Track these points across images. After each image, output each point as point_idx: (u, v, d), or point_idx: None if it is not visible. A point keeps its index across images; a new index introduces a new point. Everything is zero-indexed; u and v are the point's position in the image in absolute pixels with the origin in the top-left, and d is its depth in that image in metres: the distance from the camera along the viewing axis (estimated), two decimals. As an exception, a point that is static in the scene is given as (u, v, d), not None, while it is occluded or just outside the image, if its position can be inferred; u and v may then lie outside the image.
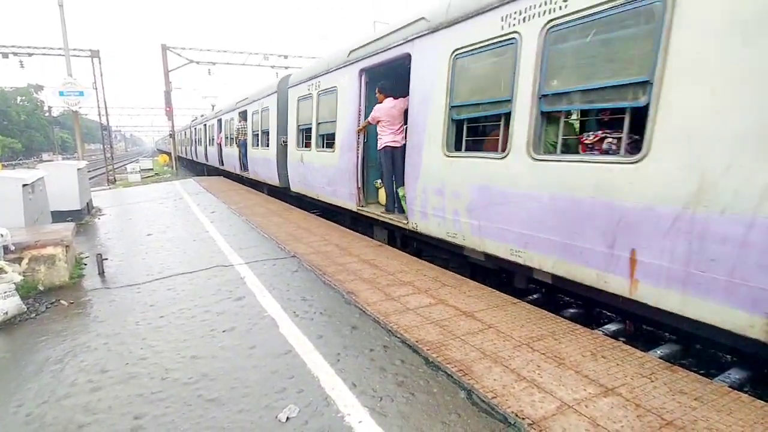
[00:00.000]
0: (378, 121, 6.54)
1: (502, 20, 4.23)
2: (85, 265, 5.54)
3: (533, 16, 3.91)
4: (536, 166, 3.98)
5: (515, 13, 4.09)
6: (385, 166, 6.62)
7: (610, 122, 3.75)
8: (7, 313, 3.95)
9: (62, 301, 4.36)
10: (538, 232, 4.00)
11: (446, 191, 5.15)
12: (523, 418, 2.38)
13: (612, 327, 4.15)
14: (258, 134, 12.97)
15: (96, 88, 18.50)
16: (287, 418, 2.46)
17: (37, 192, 6.56)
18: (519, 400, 2.55)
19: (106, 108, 20.75)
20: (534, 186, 4.01)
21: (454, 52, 4.90)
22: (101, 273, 5.19)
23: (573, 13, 3.55)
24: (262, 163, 12.59)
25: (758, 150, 2.59)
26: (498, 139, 4.46)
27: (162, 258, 5.87)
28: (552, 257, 3.91)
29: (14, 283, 4.23)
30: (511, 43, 4.15)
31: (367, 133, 7.21)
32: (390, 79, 6.71)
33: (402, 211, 6.46)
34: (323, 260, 5.52)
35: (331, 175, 8.16)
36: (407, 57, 5.81)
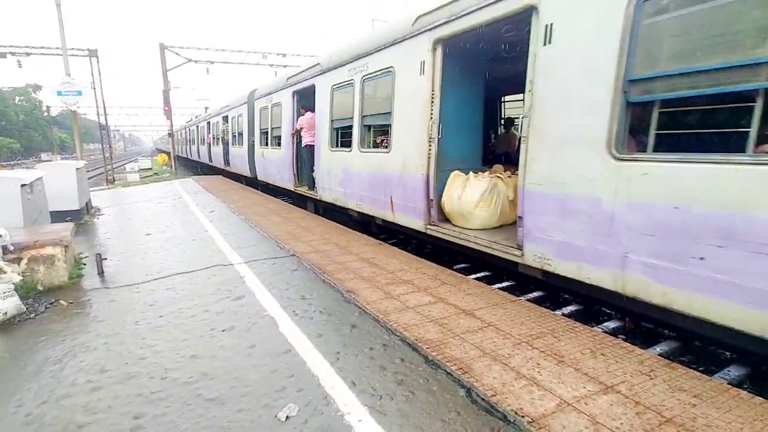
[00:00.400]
0: (301, 128, 9.50)
1: (348, 72, 7.52)
2: (85, 265, 5.53)
3: (358, 72, 7.21)
4: (363, 156, 7.29)
5: (352, 69, 7.37)
6: (307, 158, 9.60)
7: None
8: (6, 313, 3.94)
9: (61, 301, 4.35)
10: (364, 192, 7.31)
11: (331, 172, 8.42)
12: (522, 416, 2.38)
13: (611, 324, 4.15)
14: (236, 135, 15.98)
15: (94, 88, 18.45)
16: (287, 417, 2.46)
17: (36, 192, 6.55)
18: (518, 398, 2.55)
19: (104, 107, 20.71)
20: (361, 167, 7.30)
21: (333, 86, 8.16)
22: (100, 273, 5.19)
23: (371, 73, 6.86)
24: (239, 159, 15.65)
25: (420, 151, 5.68)
26: (350, 140, 7.61)
27: (161, 257, 5.87)
28: (367, 205, 7.27)
29: (13, 284, 4.23)
30: (350, 84, 7.49)
31: (299, 135, 9.77)
32: (310, 98, 9.27)
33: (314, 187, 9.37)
34: (323, 259, 5.52)
35: (279, 165, 11.29)
36: (313, 87, 9.01)
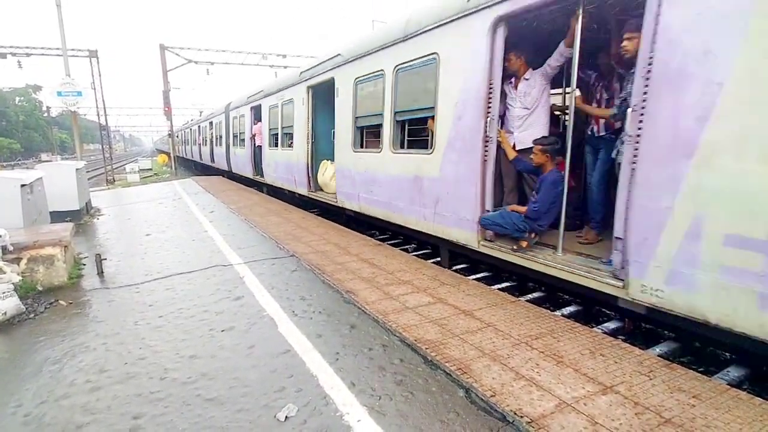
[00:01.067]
0: (255, 133, 13.38)
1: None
2: (84, 265, 5.53)
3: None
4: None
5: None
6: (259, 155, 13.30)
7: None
8: (5, 313, 3.94)
9: (61, 302, 4.35)
10: (284, 175, 10.73)
11: (272, 164, 11.91)
12: (521, 417, 2.38)
13: (611, 325, 4.15)
14: (220, 137, 19.26)
15: (94, 88, 18.45)
16: (286, 417, 2.46)
17: (36, 192, 6.55)
18: (518, 399, 2.55)
19: (104, 108, 20.70)
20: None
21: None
22: (100, 273, 5.19)
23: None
24: (221, 157, 19.10)
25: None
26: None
27: (161, 258, 5.86)
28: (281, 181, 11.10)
29: (13, 284, 4.23)
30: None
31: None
32: (257, 111, 13.18)
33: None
34: (322, 259, 5.52)
35: (245, 161, 14.77)
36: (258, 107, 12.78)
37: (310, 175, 9.36)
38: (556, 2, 3.85)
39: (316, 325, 3.67)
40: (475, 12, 4.60)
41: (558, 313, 4.23)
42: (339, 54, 7.64)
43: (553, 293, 4.91)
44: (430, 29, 5.26)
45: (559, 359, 2.99)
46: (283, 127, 10.81)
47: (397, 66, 6.03)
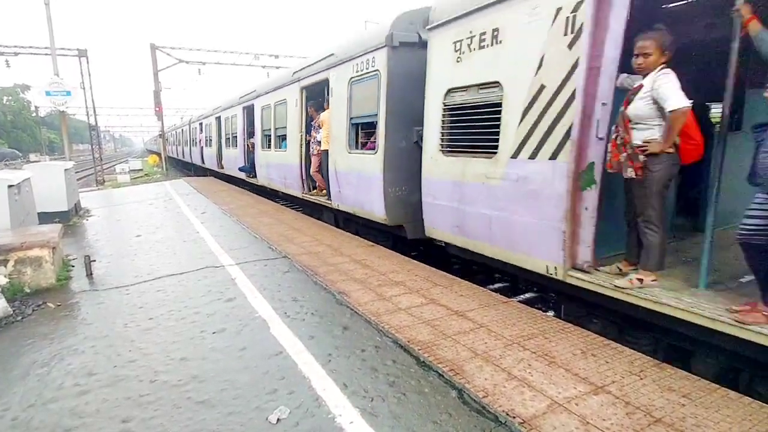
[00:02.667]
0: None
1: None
2: (73, 266, 5.46)
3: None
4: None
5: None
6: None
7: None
8: (-8, 316, 3.88)
9: (49, 304, 4.29)
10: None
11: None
12: (513, 417, 2.39)
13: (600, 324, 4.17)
14: (210, 139, 19.93)
15: (84, 88, 18.25)
16: (278, 419, 2.44)
17: (24, 193, 6.46)
18: (510, 399, 2.55)
19: (94, 108, 20.49)
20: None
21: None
22: (89, 275, 5.13)
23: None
24: (210, 157, 19.91)
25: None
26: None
27: (151, 259, 5.81)
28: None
29: (0, 286, 4.17)
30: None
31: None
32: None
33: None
34: (315, 261, 5.50)
35: (233, 159, 15.57)
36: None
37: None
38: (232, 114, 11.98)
39: (308, 326, 3.66)
40: (235, 106, 11.98)
41: (550, 313, 4.25)
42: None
43: (543, 295, 4.92)
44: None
45: (551, 360, 3.01)
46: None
47: (226, 116, 12.32)
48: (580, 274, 3.76)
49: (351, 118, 6.99)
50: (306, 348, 3.27)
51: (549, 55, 3.79)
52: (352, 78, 6.88)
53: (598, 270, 3.82)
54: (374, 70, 6.25)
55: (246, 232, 7.29)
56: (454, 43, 4.82)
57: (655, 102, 3.25)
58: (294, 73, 9.25)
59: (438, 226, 5.45)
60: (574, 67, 3.56)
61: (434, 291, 4.39)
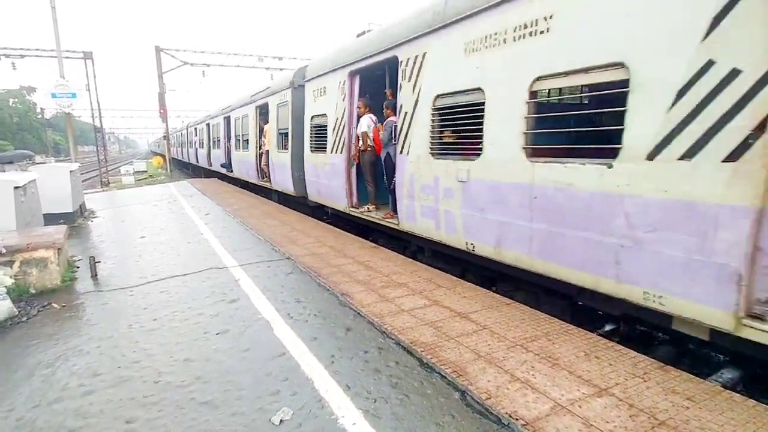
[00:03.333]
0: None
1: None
2: (78, 268, 5.50)
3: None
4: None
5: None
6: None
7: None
8: (-3, 316, 3.91)
9: (54, 305, 4.32)
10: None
11: (237, 161, 15.58)
12: (516, 419, 2.38)
13: (606, 327, 4.16)
14: (202, 141, 22.97)
15: (89, 90, 18.38)
16: (281, 420, 2.45)
17: (29, 194, 6.51)
18: (513, 401, 2.55)
19: (99, 110, 20.62)
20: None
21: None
22: (94, 276, 5.16)
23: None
24: (204, 157, 22.53)
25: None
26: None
27: (156, 260, 5.84)
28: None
29: (5, 287, 4.20)
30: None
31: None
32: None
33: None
34: (318, 262, 5.51)
35: (218, 158, 18.66)
36: (229, 118, 16.12)
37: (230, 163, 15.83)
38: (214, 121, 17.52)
39: (311, 328, 3.66)
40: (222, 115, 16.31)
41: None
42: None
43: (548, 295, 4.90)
44: (218, 116, 15.38)
45: (554, 362, 3.00)
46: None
47: (228, 117, 15.55)
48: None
49: (278, 129, 10.78)
50: (309, 349, 3.27)
51: (340, 103, 7.51)
52: (278, 104, 10.72)
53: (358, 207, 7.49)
54: (286, 101, 10.13)
55: (249, 234, 7.31)
56: (313, 91, 8.76)
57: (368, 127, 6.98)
58: (251, 96, 13.11)
59: (311, 193, 9.30)
60: (345, 111, 7.35)
61: (437, 293, 4.39)
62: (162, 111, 24.59)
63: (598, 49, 3.42)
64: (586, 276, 3.65)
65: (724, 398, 2.55)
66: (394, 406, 2.56)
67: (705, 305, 2.90)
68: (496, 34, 4.33)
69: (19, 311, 4.12)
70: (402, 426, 2.39)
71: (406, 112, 5.74)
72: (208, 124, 20.91)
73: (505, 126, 4.28)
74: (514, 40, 4.11)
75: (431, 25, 5.20)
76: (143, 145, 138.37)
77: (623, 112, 3.27)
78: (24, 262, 4.65)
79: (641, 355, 3.12)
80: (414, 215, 5.76)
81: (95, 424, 2.48)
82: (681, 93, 2.94)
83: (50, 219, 7.69)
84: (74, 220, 8.61)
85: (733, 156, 2.70)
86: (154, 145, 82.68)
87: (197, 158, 25.71)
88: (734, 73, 2.69)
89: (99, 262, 5.59)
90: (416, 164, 5.58)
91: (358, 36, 7.84)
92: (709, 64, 2.79)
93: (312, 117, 8.71)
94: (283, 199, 11.63)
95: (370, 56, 6.53)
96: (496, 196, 4.41)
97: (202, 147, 23.19)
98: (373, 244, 6.57)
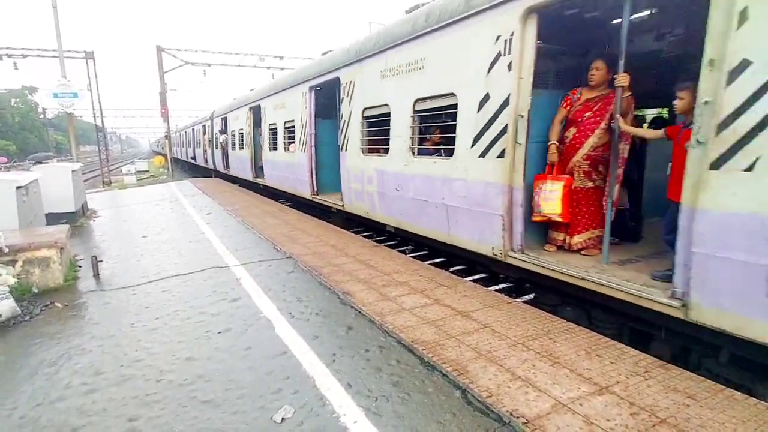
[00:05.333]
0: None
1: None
2: (80, 267, 5.51)
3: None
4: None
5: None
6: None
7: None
8: (1, 315, 3.93)
9: (57, 304, 4.34)
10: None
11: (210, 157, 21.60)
12: (517, 417, 2.39)
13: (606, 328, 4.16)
14: (199, 141, 25.42)
15: (91, 90, 18.40)
16: (282, 418, 2.46)
17: (32, 194, 6.52)
18: (514, 399, 2.56)
19: (101, 109, 20.66)
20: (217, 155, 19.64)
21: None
22: (96, 275, 5.17)
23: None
24: (201, 155, 24.96)
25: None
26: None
27: (157, 260, 5.85)
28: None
29: (8, 286, 4.22)
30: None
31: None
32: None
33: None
34: (319, 261, 5.52)
35: (203, 156, 23.88)
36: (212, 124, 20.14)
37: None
38: (200, 125, 24.60)
39: (312, 326, 3.67)
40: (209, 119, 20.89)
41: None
42: (214, 110, 19.08)
43: (548, 295, 4.91)
44: (206, 120, 20.41)
45: (555, 360, 3.00)
46: (213, 138, 20.21)
47: (221, 119, 18.46)
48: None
49: (232, 132, 15.51)
50: (310, 348, 3.28)
51: (302, 111, 9.38)
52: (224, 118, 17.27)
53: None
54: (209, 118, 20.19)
55: (251, 233, 7.33)
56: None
57: None
58: (212, 111, 19.47)
59: (259, 176, 13.08)
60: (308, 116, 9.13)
61: (438, 291, 4.39)
62: (163, 110, 24.61)
63: (443, 83, 5.22)
64: (431, 230, 5.73)
65: (725, 396, 2.55)
66: (395, 405, 2.57)
67: (488, 244, 4.78)
68: (398, 66, 5.99)
69: (21, 310, 4.14)
70: (403, 424, 2.39)
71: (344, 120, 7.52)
72: (195, 129, 23.04)
73: (401, 131, 5.94)
74: (406, 72, 5.84)
75: (360, 55, 6.92)
76: (145, 145, 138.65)
77: (455, 125, 5.03)
78: (26, 261, 4.67)
79: (642, 353, 3.12)
80: (351, 198, 7.59)
81: (98, 423, 2.50)
82: (478, 113, 4.72)
83: (52, 219, 7.71)
84: (76, 219, 8.63)
85: (501, 155, 4.47)
86: (155, 144, 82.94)
87: (194, 156, 27.26)
88: (487, 99, 4.60)
89: (101, 261, 5.61)
90: (352, 159, 7.32)
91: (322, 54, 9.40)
92: (487, 96, 4.58)
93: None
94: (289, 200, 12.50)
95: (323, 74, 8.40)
96: (398, 181, 6.13)
97: (198, 146, 25.15)
98: (375, 243, 6.57)
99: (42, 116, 60.76)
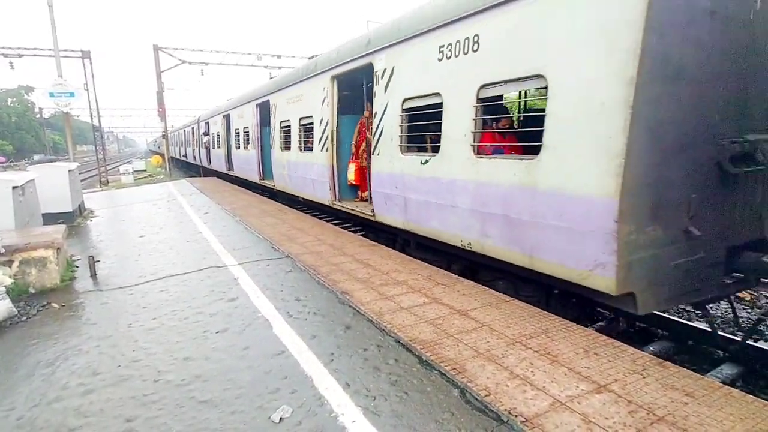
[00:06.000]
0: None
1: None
2: (77, 267, 5.49)
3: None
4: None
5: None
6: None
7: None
8: (-3, 316, 3.91)
9: (53, 304, 4.32)
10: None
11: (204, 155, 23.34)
12: (516, 416, 2.39)
13: (604, 324, 4.17)
14: (189, 141, 28.03)
15: (87, 89, 18.34)
16: (280, 418, 2.45)
17: (28, 194, 6.50)
18: (512, 398, 2.55)
19: (98, 109, 20.61)
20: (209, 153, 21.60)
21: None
22: (93, 275, 5.16)
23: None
24: (194, 155, 26.30)
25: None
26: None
27: (155, 259, 5.83)
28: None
29: (4, 287, 4.19)
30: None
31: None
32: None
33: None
34: (317, 260, 5.51)
35: (196, 154, 25.91)
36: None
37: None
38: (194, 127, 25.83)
39: (311, 326, 3.67)
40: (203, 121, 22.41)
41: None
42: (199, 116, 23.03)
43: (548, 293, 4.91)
44: (203, 120, 22.45)
45: (553, 358, 3.00)
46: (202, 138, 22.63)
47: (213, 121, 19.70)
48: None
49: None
50: (308, 347, 3.28)
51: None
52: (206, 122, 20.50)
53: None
54: (196, 122, 24.51)
55: (249, 232, 7.31)
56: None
57: None
58: (197, 117, 22.35)
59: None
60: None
61: (436, 290, 4.39)
62: (160, 110, 24.54)
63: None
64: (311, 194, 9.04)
65: (723, 394, 2.55)
66: (393, 404, 2.56)
67: (326, 198, 8.21)
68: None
69: (18, 311, 4.12)
70: (401, 423, 2.39)
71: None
72: (186, 131, 26.91)
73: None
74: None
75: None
76: (142, 144, 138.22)
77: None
78: (23, 261, 4.65)
79: (640, 351, 3.13)
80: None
81: (95, 423, 2.49)
82: (319, 127, 8.38)
83: (49, 218, 7.69)
84: (73, 219, 8.60)
85: (326, 149, 7.81)
86: (152, 144, 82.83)
87: (185, 154, 29.67)
88: (321, 120, 8.33)
89: (98, 261, 5.59)
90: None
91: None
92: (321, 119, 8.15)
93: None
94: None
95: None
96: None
97: (189, 146, 27.25)
98: (373, 242, 6.57)
99: (39, 116, 60.53)
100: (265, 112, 11.87)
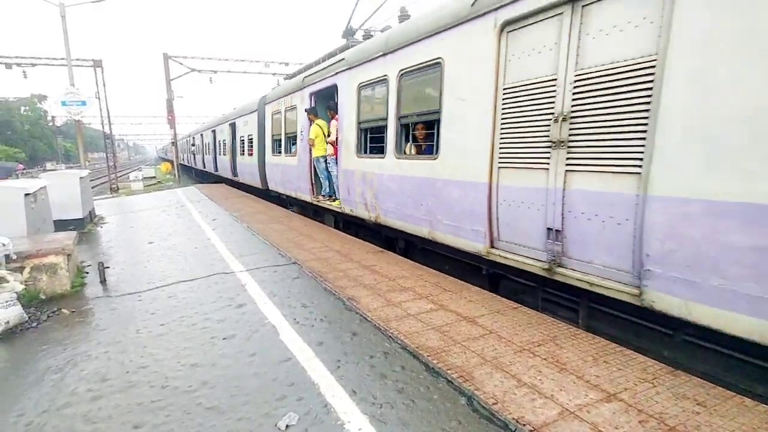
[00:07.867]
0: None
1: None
2: (87, 273, 5.55)
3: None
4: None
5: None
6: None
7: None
8: (8, 322, 3.95)
9: (63, 310, 4.36)
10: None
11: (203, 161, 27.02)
12: (524, 425, 2.36)
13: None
14: (199, 148, 28.33)
15: (99, 98, 18.61)
16: (287, 425, 2.45)
17: (40, 201, 6.59)
18: (520, 406, 2.53)
19: (109, 117, 20.87)
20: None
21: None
22: (103, 281, 5.20)
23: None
24: (200, 160, 27.62)
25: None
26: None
27: (163, 266, 5.88)
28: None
29: (16, 293, 4.24)
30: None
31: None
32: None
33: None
34: (324, 267, 5.52)
35: (199, 160, 28.51)
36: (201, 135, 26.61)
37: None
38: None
39: (317, 332, 3.67)
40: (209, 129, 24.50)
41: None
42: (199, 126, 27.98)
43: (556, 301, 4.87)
44: (205, 130, 25.78)
45: (561, 366, 2.97)
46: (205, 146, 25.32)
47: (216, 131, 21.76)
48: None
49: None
50: (315, 354, 3.27)
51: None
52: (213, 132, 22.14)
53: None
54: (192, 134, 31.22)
55: (256, 239, 7.34)
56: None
57: None
58: (190, 132, 31.77)
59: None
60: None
61: (443, 297, 4.37)
62: (170, 117, 24.82)
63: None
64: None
65: (735, 403, 2.51)
66: (400, 412, 2.55)
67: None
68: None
69: (29, 317, 4.17)
70: (408, 431, 2.37)
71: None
72: (192, 138, 31.86)
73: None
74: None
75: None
76: (152, 152, 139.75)
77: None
78: (34, 268, 4.70)
79: (650, 359, 3.09)
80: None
81: (103, 429, 2.50)
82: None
83: (60, 225, 7.78)
84: (84, 226, 8.70)
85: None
86: (161, 151, 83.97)
87: (193, 161, 31.30)
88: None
89: (108, 267, 5.65)
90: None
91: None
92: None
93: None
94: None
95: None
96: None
97: (196, 153, 29.30)
98: (379, 248, 6.57)
99: (51, 124, 61.52)
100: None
